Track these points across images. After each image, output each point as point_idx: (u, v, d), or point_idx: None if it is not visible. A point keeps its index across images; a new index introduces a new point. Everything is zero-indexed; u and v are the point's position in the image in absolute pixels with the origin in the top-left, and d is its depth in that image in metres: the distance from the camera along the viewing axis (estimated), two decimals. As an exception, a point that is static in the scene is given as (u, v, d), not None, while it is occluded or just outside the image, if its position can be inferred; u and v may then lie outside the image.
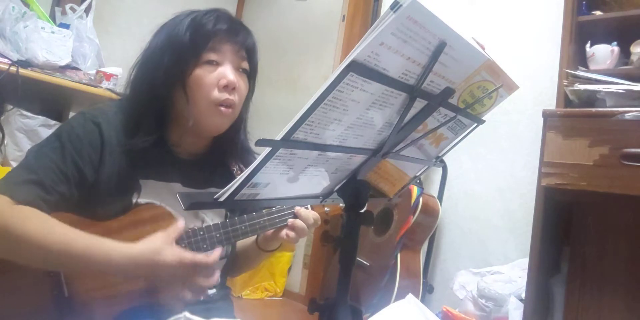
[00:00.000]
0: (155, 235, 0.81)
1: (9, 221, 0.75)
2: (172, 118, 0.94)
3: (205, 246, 0.91)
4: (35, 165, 0.83)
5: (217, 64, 0.91)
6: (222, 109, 0.91)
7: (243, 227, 0.94)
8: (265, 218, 0.97)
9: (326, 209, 1.07)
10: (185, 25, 0.91)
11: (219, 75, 0.90)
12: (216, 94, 0.90)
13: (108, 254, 0.77)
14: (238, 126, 1.00)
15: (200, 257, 0.80)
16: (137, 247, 0.78)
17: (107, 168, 0.89)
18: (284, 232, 0.98)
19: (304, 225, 0.98)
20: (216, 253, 0.83)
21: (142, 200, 0.91)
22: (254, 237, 1.04)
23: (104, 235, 0.83)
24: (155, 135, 0.90)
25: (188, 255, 0.79)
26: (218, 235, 0.92)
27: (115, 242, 0.79)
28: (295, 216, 0.99)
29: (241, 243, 1.08)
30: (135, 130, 0.90)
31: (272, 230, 1.00)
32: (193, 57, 0.90)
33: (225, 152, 1.01)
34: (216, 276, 0.83)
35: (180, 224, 0.84)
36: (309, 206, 1.04)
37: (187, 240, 0.90)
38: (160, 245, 0.79)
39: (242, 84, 0.94)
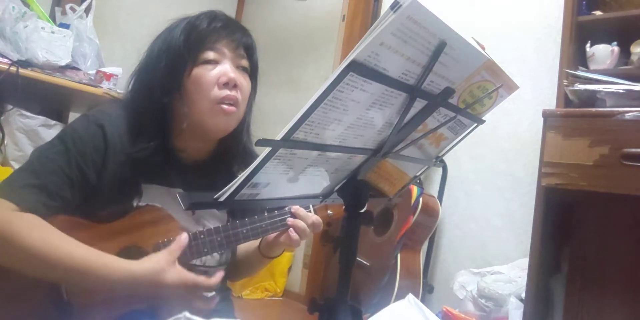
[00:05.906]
0: (158, 255, 0.81)
1: (13, 229, 0.75)
2: (175, 123, 0.92)
3: (205, 250, 0.90)
4: (40, 169, 0.83)
5: (215, 62, 0.90)
6: (225, 106, 0.89)
7: (244, 231, 0.93)
8: (267, 222, 0.95)
9: (329, 212, 1.06)
10: (180, 28, 0.91)
11: (219, 73, 0.89)
12: (216, 91, 0.89)
13: (109, 272, 0.77)
14: (241, 127, 0.98)
15: (202, 279, 0.81)
16: (139, 266, 0.78)
17: (110, 171, 0.88)
18: (286, 235, 0.96)
19: (304, 224, 0.96)
20: (218, 276, 0.83)
21: (143, 204, 0.90)
22: (257, 243, 1.03)
23: (103, 237, 0.83)
24: (155, 142, 0.89)
25: (190, 277, 0.80)
26: (219, 238, 0.90)
27: (118, 259, 0.79)
28: (294, 216, 0.97)
29: (243, 248, 1.07)
30: (138, 136, 0.89)
31: (274, 236, 0.98)
32: (190, 57, 0.89)
33: (229, 156, 1.00)
34: (215, 301, 0.84)
35: (183, 240, 0.84)
36: (311, 208, 1.03)
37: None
38: (163, 266, 0.79)
39: (243, 81, 0.93)
